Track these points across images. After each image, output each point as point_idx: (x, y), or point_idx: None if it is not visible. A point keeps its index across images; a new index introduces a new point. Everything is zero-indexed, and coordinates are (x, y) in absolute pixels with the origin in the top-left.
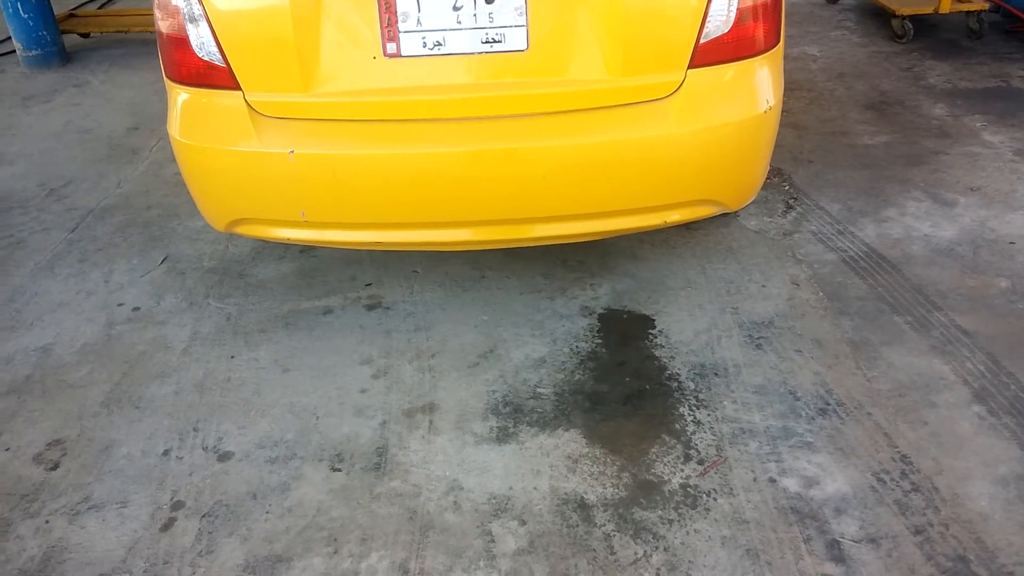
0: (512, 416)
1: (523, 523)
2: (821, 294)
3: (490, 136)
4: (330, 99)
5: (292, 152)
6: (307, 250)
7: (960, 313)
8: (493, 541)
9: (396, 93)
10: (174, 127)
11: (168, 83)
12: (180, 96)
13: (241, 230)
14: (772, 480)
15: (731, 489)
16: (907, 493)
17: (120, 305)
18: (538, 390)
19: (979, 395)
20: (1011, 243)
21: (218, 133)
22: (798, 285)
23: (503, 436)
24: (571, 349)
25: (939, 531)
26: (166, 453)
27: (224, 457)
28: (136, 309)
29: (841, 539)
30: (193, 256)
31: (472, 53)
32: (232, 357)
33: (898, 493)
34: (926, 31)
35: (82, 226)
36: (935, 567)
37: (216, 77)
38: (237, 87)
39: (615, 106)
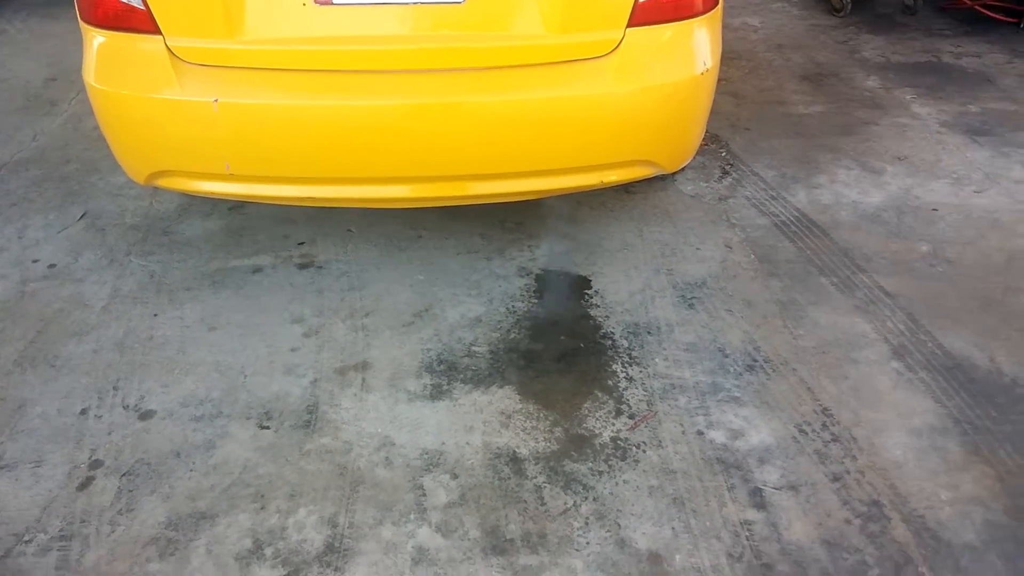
0: (446, 374)
1: (455, 477)
2: (753, 256)
3: (424, 90)
4: (256, 46)
5: (216, 101)
6: (236, 207)
7: (883, 275)
8: (424, 495)
9: (326, 42)
10: (89, 73)
11: (83, 26)
12: (96, 39)
13: (163, 183)
14: (700, 432)
15: (660, 441)
16: (827, 443)
17: (35, 262)
18: (473, 348)
19: (898, 352)
20: (934, 210)
21: (137, 79)
22: (731, 248)
23: (437, 393)
24: (507, 309)
25: (855, 478)
26: (84, 412)
27: (146, 416)
28: (52, 266)
29: (763, 487)
30: (114, 212)
31: (407, 3)
32: (155, 315)
33: (818, 443)
34: (863, 6)
35: None
36: (850, 511)
37: (135, 20)
38: (157, 31)
39: (553, 63)
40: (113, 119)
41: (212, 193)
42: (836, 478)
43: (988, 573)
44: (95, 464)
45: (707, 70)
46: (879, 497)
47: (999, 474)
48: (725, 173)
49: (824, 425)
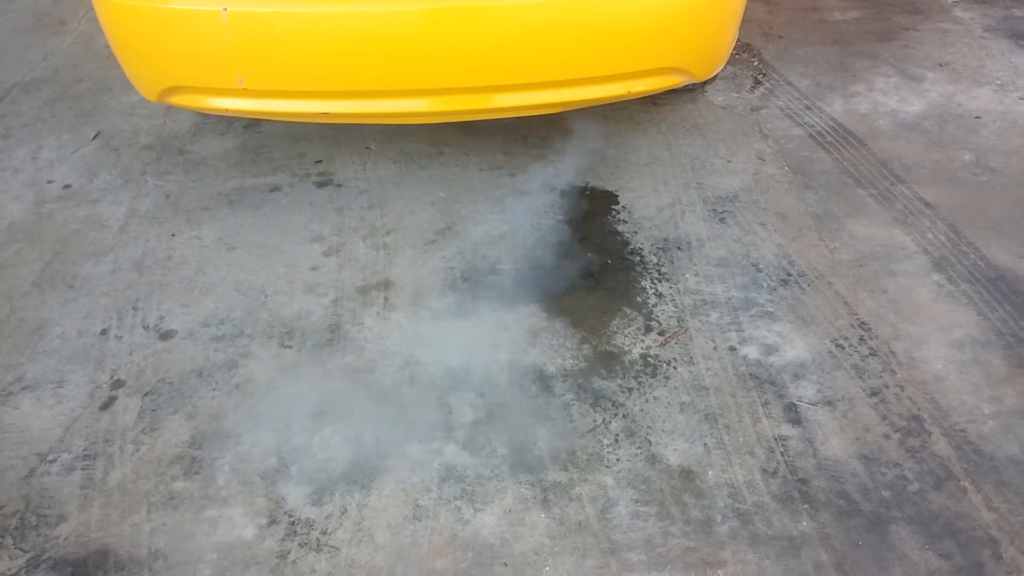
0: (471, 292)
1: (481, 395)
2: (787, 168)
3: None
4: None
5: (225, 10)
6: (251, 125)
7: (923, 186)
8: (450, 413)
9: None
10: None
11: None
12: None
13: (175, 100)
14: (732, 348)
15: (691, 358)
16: (864, 358)
17: (50, 182)
18: (497, 266)
19: (938, 264)
20: (977, 118)
21: None
22: (764, 160)
23: (461, 311)
24: (532, 225)
25: (894, 392)
26: (104, 332)
27: (166, 336)
28: (67, 186)
29: (798, 402)
30: (128, 132)
31: None
32: (173, 235)
33: (856, 358)
34: None
35: (6, 100)
36: (889, 426)
37: None
38: None
39: None
40: (120, 32)
41: (226, 110)
42: (874, 393)
43: None
44: (117, 384)
45: None
46: (919, 412)
47: None
48: (757, 83)
49: (862, 339)
